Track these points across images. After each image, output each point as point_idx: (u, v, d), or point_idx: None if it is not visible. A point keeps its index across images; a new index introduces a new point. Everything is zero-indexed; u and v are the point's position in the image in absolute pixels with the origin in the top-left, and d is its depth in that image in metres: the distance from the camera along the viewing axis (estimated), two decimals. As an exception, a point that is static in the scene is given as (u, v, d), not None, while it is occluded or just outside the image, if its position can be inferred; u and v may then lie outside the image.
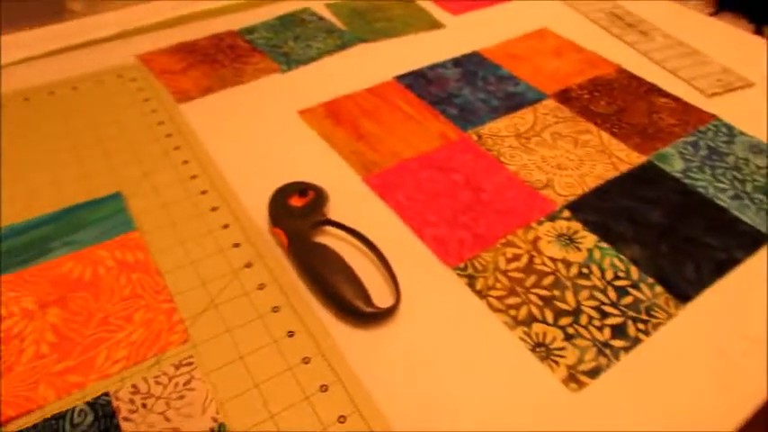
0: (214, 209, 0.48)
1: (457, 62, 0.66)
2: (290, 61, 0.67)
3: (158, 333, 0.39)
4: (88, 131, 0.56)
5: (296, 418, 0.34)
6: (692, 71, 0.65)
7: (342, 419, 0.34)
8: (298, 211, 0.45)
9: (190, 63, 0.66)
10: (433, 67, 0.65)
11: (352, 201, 0.48)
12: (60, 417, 0.35)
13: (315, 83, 0.64)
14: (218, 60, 0.67)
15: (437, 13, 0.78)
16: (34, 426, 0.34)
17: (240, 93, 0.62)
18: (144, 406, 0.35)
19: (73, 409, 0.35)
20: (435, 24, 0.75)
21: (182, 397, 0.36)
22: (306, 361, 0.37)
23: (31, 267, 0.43)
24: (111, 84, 0.63)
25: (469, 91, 0.62)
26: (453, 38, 0.72)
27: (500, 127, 0.57)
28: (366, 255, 0.44)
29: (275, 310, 0.40)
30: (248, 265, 0.43)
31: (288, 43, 0.70)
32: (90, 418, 0.35)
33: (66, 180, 0.51)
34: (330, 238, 0.45)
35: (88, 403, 0.35)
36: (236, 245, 0.45)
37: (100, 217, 0.47)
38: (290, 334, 0.38)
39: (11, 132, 0.56)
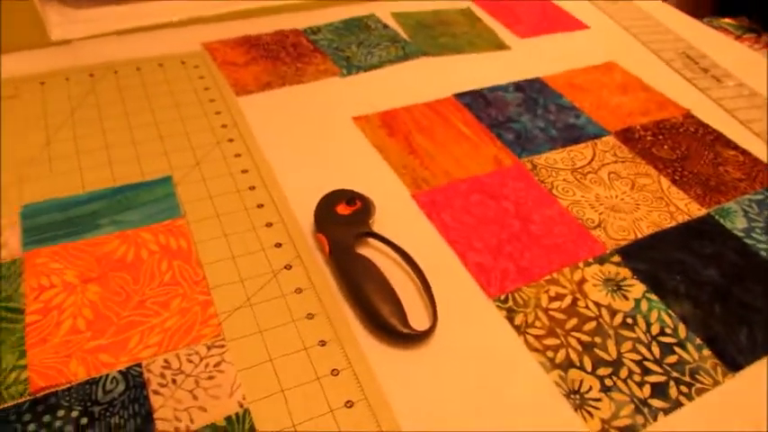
0: (260, 206, 0.48)
1: (518, 86, 0.65)
2: (350, 66, 0.67)
3: (192, 324, 0.39)
4: (146, 113, 0.57)
5: (319, 427, 0.34)
6: (765, 125, 0.63)
7: (364, 439, 0.34)
8: (343, 220, 0.44)
9: (252, 57, 0.67)
10: (493, 89, 0.65)
11: (398, 215, 0.48)
12: (93, 382, 0.36)
13: (373, 91, 0.63)
14: (280, 57, 0.67)
15: (503, 34, 0.77)
16: (68, 389, 0.35)
17: (298, 92, 0.62)
18: (174, 381, 0.36)
19: (106, 377, 0.36)
20: (500, 45, 0.74)
21: (211, 377, 0.36)
22: (335, 373, 0.36)
23: (78, 241, 0.44)
24: (174, 69, 0.64)
25: (528, 118, 0.60)
26: (517, 61, 0.71)
27: (556, 158, 0.55)
28: (406, 272, 0.43)
29: (310, 316, 0.40)
30: (288, 267, 0.43)
31: (351, 48, 0.70)
32: (121, 386, 0.35)
33: (120, 159, 0.52)
34: (372, 251, 0.44)
35: (121, 372, 0.36)
36: (278, 245, 0.44)
37: (149, 200, 0.48)
38: (322, 343, 0.38)
39: (73, 106, 0.57)
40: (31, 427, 0.34)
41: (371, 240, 0.45)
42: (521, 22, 0.79)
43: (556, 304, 0.42)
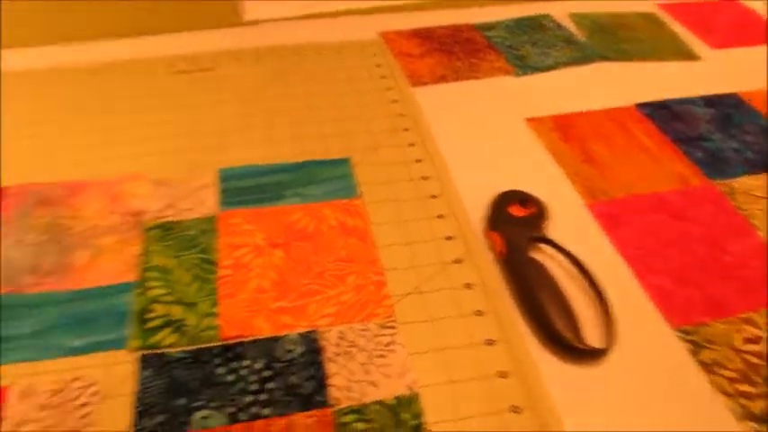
0: (433, 197, 0.49)
1: (709, 101, 0.61)
2: (525, 66, 0.66)
3: (366, 301, 0.41)
4: (327, 95, 0.60)
5: (481, 429, 0.34)
6: None
7: (529, 444, 0.34)
8: (517, 221, 0.44)
9: (427, 49, 0.68)
10: (680, 102, 0.61)
11: (570, 224, 0.47)
12: (275, 340, 0.39)
13: (547, 93, 0.62)
14: (454, 52, 0.68)
15: (693, 42, 0.72)
16: (254, 341, 0.39)
17: (472, 87, 0.62)
18: (347, 353, 0.38)
19: (286, 337, 0.39)
20: (689, 55, 0.69)
21: (382, 356, 0.38)
22: (502, 375, 0.37)
23: (266, 208, 0.48)
24: (353, 56, 0.67)
25: (721, 136, 0.56)
26: (708, 73, 0.66)
27: (754, 184, 0.51)
28: (579, 285, 0.42)
29: (478, 313, 0.40)
30: (458, 261, 0.43)
31: (525, 47, 0.69)
32: (300, 349, 0.38)
33: (305, 135, 0.55)
34: (544, 259, 0.44)
35: (300, 334, 0.39)
36: (449, 238, 0.45)
37: (329, 177, 0.51)
38: (490, 342, 0.38)
39: (264, 82, 0.61)
40: (221, 369, 0.37)
41: (543, 246, 0.44)
42: (714, 30, 0.74)
43: (751, 347, 0.39)
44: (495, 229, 0.44)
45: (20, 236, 0.45)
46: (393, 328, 0.39)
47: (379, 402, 0.35)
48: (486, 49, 0.69)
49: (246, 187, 0.49)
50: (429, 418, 0.35)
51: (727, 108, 0.60)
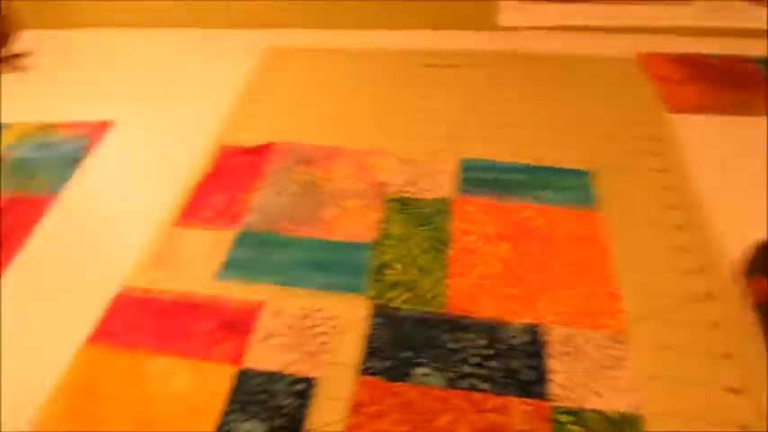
0: (679, 227, 0.46)
1: None
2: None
3: (596, 310, 0.41)
4: (574, 106, 0.60)
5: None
6: None
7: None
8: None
9: (689, 75, 0.65)
10: None
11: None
12: (500, 324, 0.40)
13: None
14: (723, 83, 0.63)
15: None
16: (478, 320, 0.40)
17: (741, 124, 0.58)
18: (572, 355, 0.38)
19: (511, 324, 0.40)
20: None
21: (611, 368, 0.37)
22: (743, 428, 0.34)
23: (501, 202, 0.49)
24: (605, 71, 0.66)
25: None
26: None
27: None
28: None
29: (726, 356, 0.37)
30: (708, 298, 0.41)
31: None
32: (524, 338, 0.39)
33: (545, 141, 0.56)
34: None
35: (525, 325, 0.40)
36: (696, 272, 0.43)
37: (568, 185, 0.51)
38: (734, 391, 0.35)
39: (509, 85, 0.63)
40: (446, 336, 0.39)
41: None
42: None
43: None
44: (759, 274, 0.41)
45: (281, 187, 0.52)
46: (624, 344, 0.38)
47: (599, 412, 0.35)
48: (760, 85, 0.63)
49: (485, 179, 0.51)
50: (651, 440, 0.33)
51: None
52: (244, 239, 0.47)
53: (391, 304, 0.42)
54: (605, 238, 0.46)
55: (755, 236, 0.44)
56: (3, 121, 0.61)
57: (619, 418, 0.35)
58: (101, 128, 0.60)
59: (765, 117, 0.58)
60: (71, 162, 0.56)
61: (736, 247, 0.44)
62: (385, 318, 0.41)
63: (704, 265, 0.43)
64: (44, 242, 0.48)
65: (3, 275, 0.45)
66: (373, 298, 0.42)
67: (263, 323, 0.40)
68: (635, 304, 0.41)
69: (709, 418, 0.34)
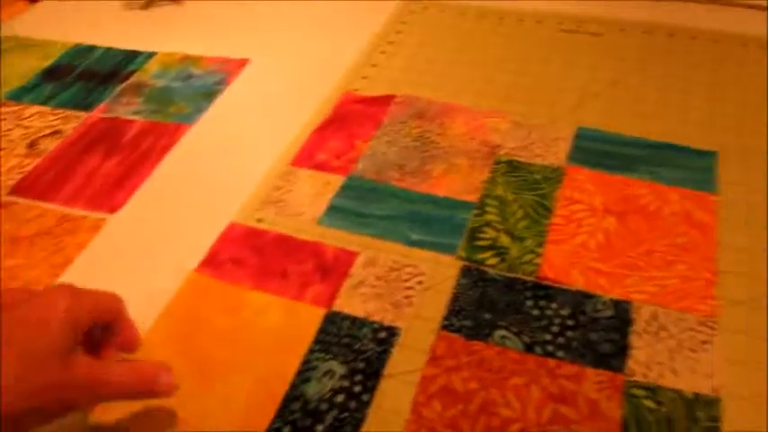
0: (803, 217, 0.43)
1: None
2: None
3: (689, 294, 0.40)
4: (706, 84, 0.57)
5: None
6: None
7: None
8: None
9: None
10: None
11: None
12: (587, 296, 0.40)
13: None
14: None
15: None
16: (566, 290, 0.41)
17: None
18: (656, 334, 0.38)
19: (599, 297, 0.40)
20: None
21: (694, 350, 0.36)
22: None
23: (613, 175, 0.48)
24: (746, 50, 0.61)
25: None
26: None
27: None
28: None
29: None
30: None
31: None
32: (609, 312, 0.39)
33: (670, 117, 0.53)
34: None
35: (612, 300, 0.40)
36: (813, 265, 0.40)
37: (687, 165, 0.49)
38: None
39: (644, 58, 0.60)
40: (529, 302, 0.40)
41: None
42: None
43: None
44: None
45: (395, 138, 0.54)
46: (713, 328, 0.37)
47: (676, 391, 0.35)
48: None
49: (599, 151, 0.51)
50: (726, 426, 0.33)
51: None
52: (350, 186, 0.50)
53: (482, 266, 0.43)
54: (715, 222, 0.44)
55: None
56: (151, 49, 0.68)
57: (694, 398, 0.34)
58: (239, 64, 0.65)
59: None
60: (208, 95, 0.61)
61: None
62: (472, 279, 0.42)
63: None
64: (172, 168, 0.53)
65: (132, 197, 0.50)
66: (463, 259, 0.44)
67: (356, 271, 0.43)
68: (732, 289, 0.39)
69: None
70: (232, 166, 0.53)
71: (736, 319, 0.38)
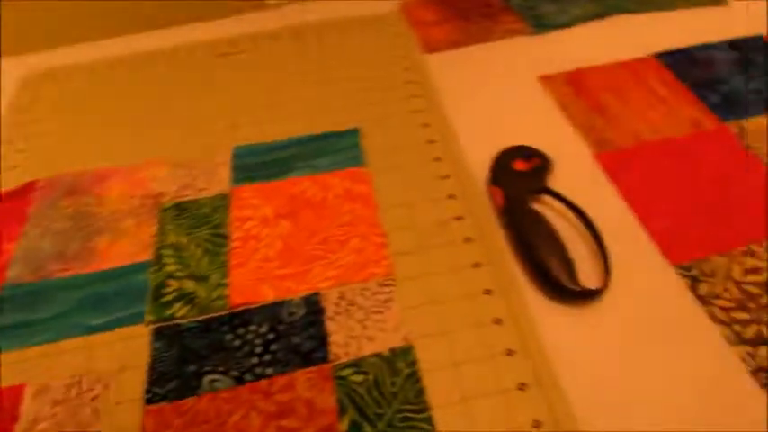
0: (437, 159, 0.49)
1: (734, 45, 0.58)
2: (541, 24, 0.64)
3: (366, 262, 0.42)
4: (342, 69, 0.61)
5: (476, 374, 0.34)
6: None
7: (522, 387, 0.34)
8: (519, 175, 0.44)
9: (444, 16, 0.68)
10: (702, 48, 0.58)
11: (578, 175, 0.46)
12: (279, 304, 0.40)
13: (564, 50, 0.61)
14: (470, 16, 0.67)
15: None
16: (259, 308, 0.40)
17: (486, 50, 0.62)
18: (347, 311, 0.39)
19: (290, 301, 0.40)
20: (716, 1, 0.66)
21: (379, 312, 0.38)
22: (497, 322, 0.37)
23: (276, 181, 0.49)
24: (372, 29, 0.67)
25: (741, 79, 0.53)
26: (735, 19, 0.63)
27: (770, 123, 0.48)
28: (580, 232, 0.41)
29: (476, 265, 0.40)
30: (458, 218, 0.43)
31: (543, 5, 0.68)
32: (302, 311, 0.39)
33: (317, 110, 0.56)
34: (545, 209, 0.43)
35: (303, 298, 0.40)
36: (451, 196, 0.45)
37: (339, 148, 0.52)
38: (487, 292, 0.38)
39: (281, 62, 0.63)
40: (228, 336, 0.39)
41: (546, 198, 0.44)
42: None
43: (751, 278, 0.38)
44: (496, 183, 0.44)
45: (47, 225, 0.48)
46: (392, 285, 0.40)
47: (376, 355, 0.36)
48: (502, 12, 0.67)
49: (257, 163, 0.51)
50: (423, 365, 0.35)
51: (751, 51, 0.57)
52: (7, 298, 0.43)
53: (174, 321, 0.40)
54: (372, 190, 0.47)
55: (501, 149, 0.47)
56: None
57: (391, 354, 0.36)
58: None
59: (508, 39, 0.63)
60: None
61: (488, 164, 0.46)
62: (168, 338, 0.39)
63: (459, 188, 0.46)
64: None
65: None
66: (154, 321, 0.40)
67: (27, 408, 0.36)
68: (399, 244, 0.42)
69: (468, 322, 0.37)
70: None
71: (407, 269, 0.41)
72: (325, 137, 0.53)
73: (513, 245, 0.41)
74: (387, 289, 0.40)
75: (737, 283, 0.38)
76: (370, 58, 0.62)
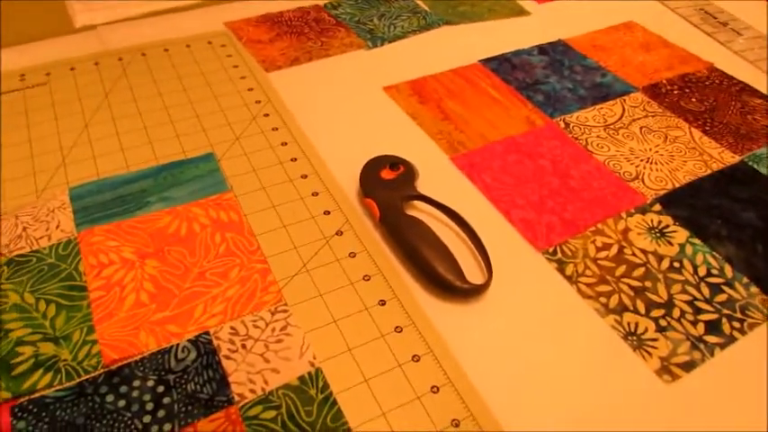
0: (304, 176, 0.49)
1: (542, 50, 0.66)
2: (375, 38, 0.67)
3: (253, 291, 0.40)
4: (179, 93, 0.58)
5: (388, 385, 0.35)
6: (789, 73, 0.63)
7: (434, 389, 0.35)
8: (389, 184, 0.45)
9: (277, 33, 0.67)
10: (518, 54, 0.65)
11: (439, 178, 0.49)
12: (165, 352, 0.37)
13: (400, 61, 0.64)
14: (304, 33, 0.68)
15: (522, 0, 0.77)
16: (141, 360, 0.36)
17: (327, 66, 0.63)
18: (244, 346, 0.37)
19: (177, 346, 0.37)
20: (520, 11, 0.74)
21: (279, 341, 0.37)
22: (398, 330, 0.38)
23: (130, 219, 0.45)
24: (201, 49, 0.64)
25: (556, 79, 0.61)
26: (538, 26, 0.71)
27: (588, 116, 0.56)
28: (455, 232, 0.44)
29: (366, 278, 0.41)
30: (339, 233, 0.44)
31: (373, 20, 0.71)
32: (193, 354, 0.36)
33: (159, 138, 0.52)
34: (419, 214, 0.45)
35: (190, 341, 0.37)
36: (327, 212, 0.45)
37: (194, 176, 0.49)
38: (382, 302, 0.39)
39: (106, 89, 0.58)
40: (109, 398, 0.35)
41: (418, 203, 0.46)
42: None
43: (603, 254, 0.43)
44: (369, 195, 0.45)
45: None
46: (285, 311, 0.39)
47: (285, 386, 0.35)
48: (335, 27, 0.69)
49: (103, 202, 0.46)
50: (336, 387, 0.35)
51: (557, 54, 0.65)
52: None
53: (36, 394, 0.35)
54: (242, 216, 0.45)
55: (364, 161, 0.48)
56: None
57: (300, 382, 0.35)
58: None
59: (346, 53, 0.64)
60: None
61: (355, 177, 0.47)
62: (31, 416, 0.34)
63: (333, 203, 0.46)
64: None
65: None
66: (11, 398, 0.34)
67: None
68: (284, 268, 0.42)
69: (371, 335, 0.38)
70: None
71: (298, 292, 0.40)
72: (176, 165, 0.50)
73: (398, 253, 0.42)
74: (281, 316, 0.38)
75: (594, 260, 0.43)
76: (208, 80, 0.60)
